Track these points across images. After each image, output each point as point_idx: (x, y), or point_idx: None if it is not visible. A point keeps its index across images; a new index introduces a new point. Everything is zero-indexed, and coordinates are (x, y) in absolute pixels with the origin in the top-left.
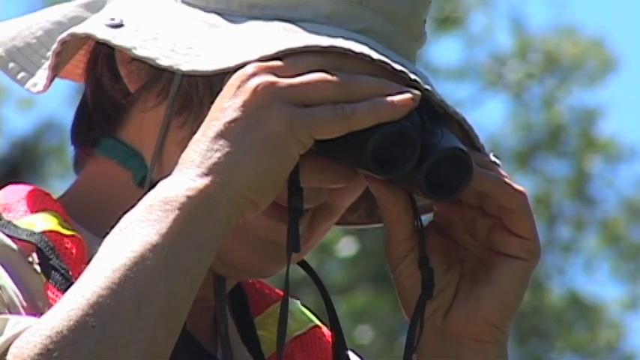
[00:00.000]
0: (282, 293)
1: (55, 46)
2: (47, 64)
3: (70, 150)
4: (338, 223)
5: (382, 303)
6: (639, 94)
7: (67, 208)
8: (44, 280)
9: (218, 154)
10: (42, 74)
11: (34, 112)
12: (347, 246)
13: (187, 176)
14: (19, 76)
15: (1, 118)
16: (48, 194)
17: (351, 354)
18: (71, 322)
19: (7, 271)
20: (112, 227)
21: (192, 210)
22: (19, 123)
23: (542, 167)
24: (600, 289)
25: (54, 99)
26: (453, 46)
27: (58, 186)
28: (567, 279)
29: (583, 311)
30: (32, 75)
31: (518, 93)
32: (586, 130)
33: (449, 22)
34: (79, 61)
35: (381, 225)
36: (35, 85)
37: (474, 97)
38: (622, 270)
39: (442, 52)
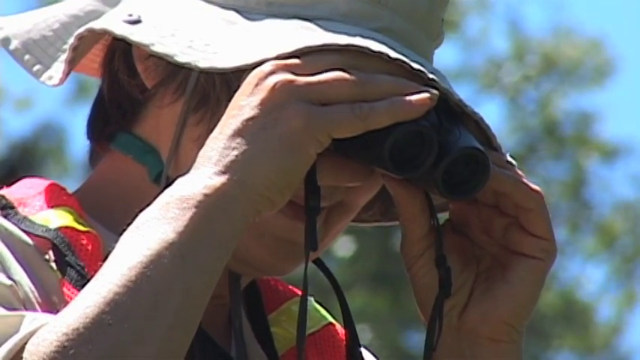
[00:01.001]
0: (297, 291)
1: (71, 40)
2: (63, 57)
3: (70, 147)
4: (353, 221)
5: (380, 302)
6: (635, 94)
7: (82, 203)
8: (60, 276)
9: (235, 152)
10: (58, 67)
11: (32, 113)
12: (345, 246)
13: (204, 174)
14: (35, 68)
15: None
16: (63, 189)
17: (364, 351)
18: (87, 320)
19: (22, 267)
20: (129, 224)
21: (209, 208)
22: (16, 124)
23: (539, 169)
24: (596, 289)
25: (52, 100)
26: (450, 49)
27: None
28: (563, 280)
29: (579, 311)
30: (48, 68)
31: (514, 96)
32: (582, 132)
33: (446, 26)
34: (95, 55)
35: (394, 223)
36: (51, 78)
37: (470, 100)
38: (617, 271)
39: (439, 54)
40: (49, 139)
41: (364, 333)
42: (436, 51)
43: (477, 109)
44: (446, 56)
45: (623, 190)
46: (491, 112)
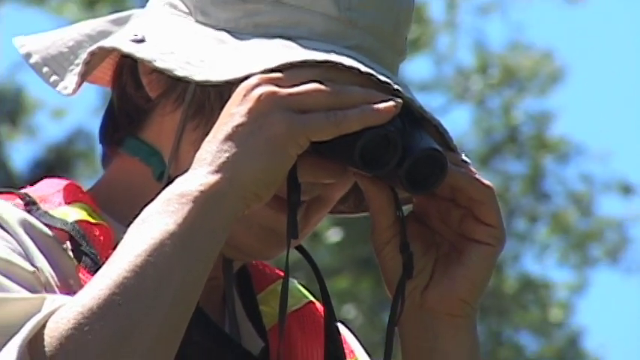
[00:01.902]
0: (282, 273)
1: (84, 55)
2: (77, 70)
3: (99, 150)
4: (330, 212)
5: (364, 284)
6: (584, 99)
7: (95, 199)
8: (76, 263)
9: (227, 154)
10: (72, 79)
11: (66, 121)
12: (334, 234)
13: (200, 173)
14: (52, 79)
15: (37, 126)
16: (79, 187)
17: (340, 325)
18: (100, 300)
19: (44, 255)
20: (135, 217)
21: (205, 202)
22: (53, 130)
23: (501, 166)
24: (550, 273)
25: (83, 109)
26: (424, 63)
27: (87, 184)
28: (522, 264)
29: (535, 293)
30: (63, 79)
31: (480, 103)
32: (539, 132)
33: (420, 43)
34: (106, 69)
35: (366, 214)
36: (65, 88)
37: (442, 107)
38: (570, 256)
39: (415, 68)
40: (80, 143)
41: (350, 310)
42: (413, 65)
43: (438, 116)
44: (421, 69)
45: (574, 184)
46: (461, 117)
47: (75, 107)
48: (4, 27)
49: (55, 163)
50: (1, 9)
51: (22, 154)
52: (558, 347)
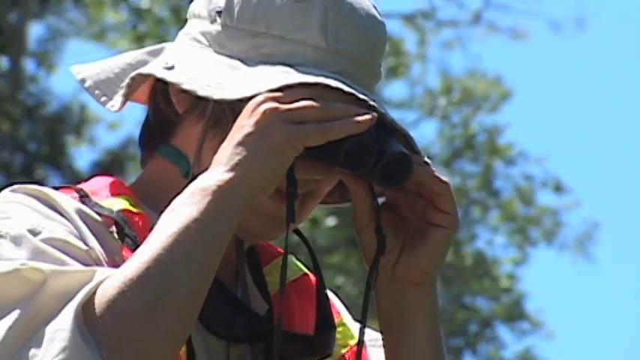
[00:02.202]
0: (282, 251)
1: (127, 80)
2: (121, 92)
3: (139, 153)
4: (320, 203)
5: (353, 260)
6: (527, 114)
7: (135, 192)
8: (120, 244)
9: (238, 157)
10: (117, 99)
11: (119, 132)
12: (330, 221)
13: (217, 172)
14: (102, 99)
15: (96, 136)
16: (122, 183)
17: (329, 292)
18: (138, 272)
19: (95, 237)
20: (166, 207)
21: (221, 195)
22: (109, 139)
23: (460, 168)
24: (499, 251)
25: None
26: (400, 86)
27: None
28: (477, 244)
29: (487, 266)
30: (111, 99)
31: (444, 117)
32: (491, 141)
33: (397, 71)
34: (144, 90)
35: (349, 204)
36: (113, 106)
37: (414, 121)
38: (514, 238)
39: (393, 90)
40: (130, 149)
41: (342, 281)
42: (391, 88)
43: (411, 128)
44: (398, 91)
45: (518, 181)
46: (429, 129)
47: (126, 121)
48: (70, 57)
49: (110, 165)
50: (69, 43)
51: (84, 158)
52: (506, 308)
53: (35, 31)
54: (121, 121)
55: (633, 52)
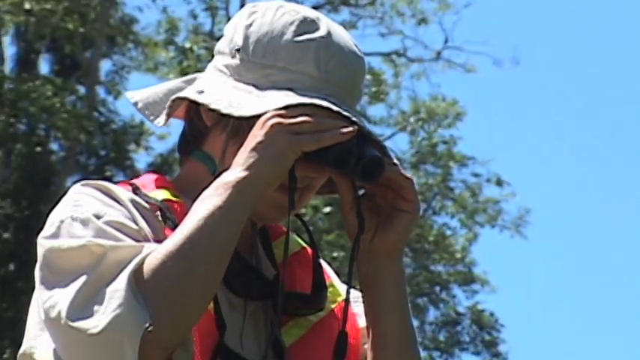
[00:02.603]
0: (286, 230)
1: (169, 102)
2: (165, 111)
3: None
4: (317, 194)
5: (343, 239)
6: (476, 129)
7: (175, 186)
8: (163, 225)
9: (252, 160)
10: (162, 116)
11: (168, 141)
12: (327, 208)
13: (236, 171)
14: (150, 117)
15: (151, 144)
16: (165, 178)
17: (322, 262)
18: (176, 247)
19: (144, 220)
20: (197, 197)
21: (238, 188)
22: (160, 146)
23: (426, 170)
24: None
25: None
26: (380, 108)
27: None
28: (437, 226)
29: (446, 242)
30: (157, 117)
31: (413, 132)
32: (449, 149)
33: (378, 96)
34: (182, 109)
35: (337, 195)
36: (159, 122)
37: (391, 135)
38: (466, 221)
39: (375, 111)
40: (176, 154)
41: (336, 254)
42: (374, 110)
43: (388, 141)
44: (378, 112)
45: (469, 179)
46: (403, 141)
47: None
48: (131, 86)
49: (161, 166)
50: (130, 75)
51: (142, 161)
52: (461, 273)
53: (105, 66)
54: (169, 133)
55: (553, 80)
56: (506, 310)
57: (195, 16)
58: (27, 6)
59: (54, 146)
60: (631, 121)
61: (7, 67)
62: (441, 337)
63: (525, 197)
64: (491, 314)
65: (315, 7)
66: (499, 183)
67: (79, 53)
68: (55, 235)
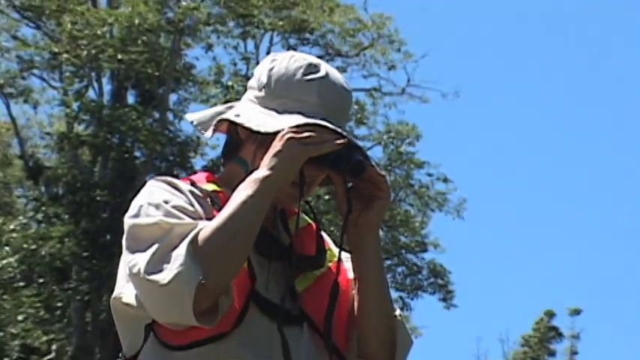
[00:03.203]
0: (297, 211)
1: (214, 122)
2: (212, 128)
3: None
4: (319, 185)
5: (338, 218)
6: (430, 144)
7: (220, 181)
8: (212, 208)
9: (273, 163)
10: (209, 131)
11: (216, 150)
12: (327, 196)
13: (262, 171)
14: (202, 132)
15: (206, 152)
16: (213, 175)
17: (323, 234)
18: (220, 223)
19: (199, 204)
20: (235, 189)
21: (264, 183)
22: (211, 154)
23: (394, 172)
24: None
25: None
26: (363, 129)
27: None
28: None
29: (409, 221)
30: (206, 131)
31: (386, 146)
32: (410, 157)
33: (361, 120)
34: (224, 126)
35: (332, 187)
36: (207, 135)
37: (370, 147)
38: (423, 208)
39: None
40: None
41: (332, 229)
42: (359, 131)
43: (367, 150)
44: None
45: (424, 178)
46: (378, 151)
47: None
48: (189, 111)
49: (212, 168)
50: (189, 105)
51: (198, 164)
52: (419, 242)
53: (172, 98)
54: (217, 144)
55: (482, 108)
56: (452, 263)
57: (235, 64)
58: (119, 57)
59: (137, 154)
60: (542, 124)
61: (105, 99)
62: (407, 282)
63: (463, 191)
64: (442, 266)
65: (318, 57)
66: (445, 180)
67: (154, 89)
68: (137, 215)
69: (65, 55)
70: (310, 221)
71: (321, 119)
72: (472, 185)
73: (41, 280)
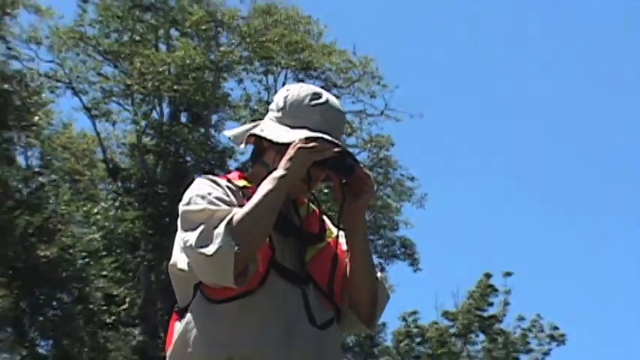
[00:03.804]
0: (306, 201)
1: (246, 135)
2: (244, 141)
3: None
4: (320, 181)
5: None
6: (401, 151)
7: (249, 178)
8: (243, 199)
9: (288, 165)
10: (243, 144)
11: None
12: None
13: (279, 171)
14: (237, 143)
15: (240, 159)
16: (244, 174)
17: (324, 217)
18: (249, 209)
19: (234, 195)
20: (259, 184)
21: (281, 180)
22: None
23: (376, 171)
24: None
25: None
26: (352, 139)
27: None
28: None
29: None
30: (241, 143)
31: (370, 152)
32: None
33: (350, 133)
34: (252, 139)
35: (331, 183)
36: (240, 146)
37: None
38: (395, 198)
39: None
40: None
41: (331, 213)
42: (349, 140)
43: (353, 154)
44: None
45: (398, 176)
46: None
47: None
48: (227, 128)
49: (243, 169)
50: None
51: (233, 166)
52: (392, 223)
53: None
54: (246, 151)
55: (440, 125)
56: (418, 238)
57: (259, 93)
58: (175, 87)
59: (188, 159)
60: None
61: (165, 119)
62: (385, 251)
63: (424, 188)
64: (410, 240)
65: (320, 87)
66: (412, 179)
67: (201, 112)
68: (188, 204)
69: (135, 87)
70: (315, 208)
71: (322, 133)
72: (433, 182)
73: (118, 251)
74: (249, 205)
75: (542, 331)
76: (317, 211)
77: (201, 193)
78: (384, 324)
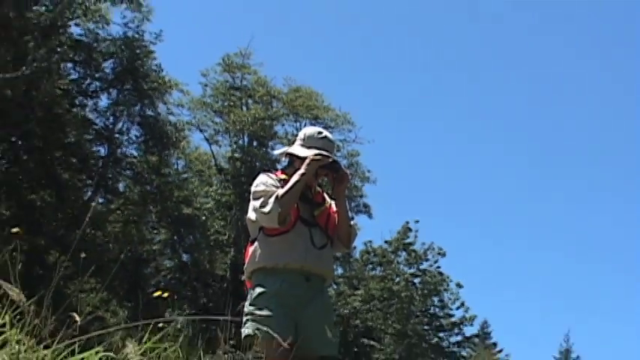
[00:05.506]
0: (316, 185)
1: (285, 153)
2: (283, 155)
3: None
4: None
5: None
6: (367, 158)
7: (286, 174)
8: (281, 185)
9: (304, 168)
10: (283, 156)
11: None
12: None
13: (301, 170)
14: (280, 158)
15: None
16: (284, 172)
17: (325, 194)
18: (287, 189)
19: (279, 182)
20: (290, 177)
21: (302, 175)
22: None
23: (355, 175)
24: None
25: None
26: (339, 155)
27: None
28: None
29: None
30: (282, 157)
31: (351, 166)
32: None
33: (336, 151)
34: (284, 155)
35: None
36: (283, 160)
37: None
38: (351, 192)
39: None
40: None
41: (328, 194)
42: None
43: (339, 161)
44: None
45: (365, 172)
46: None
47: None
48: (275, 148)
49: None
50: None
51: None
52: (364, 208)
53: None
54: (285, 160)
55: (393, 147)
56: (374, 203)
57: (293, 131)
58: (250, 128)
59: (257, 164)
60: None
61: (245, 144)
62: (355, 210)
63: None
64: (368, 204)
65: (323, 127)
66: (373, 182)
67: (264, 142)
68: (256, 186)
69: (231, 127)
70: (319, 190)
71: (324, 151)
72: (398, 182)
73: (222, 210)
74: (286, 187)
75: (433, 249)
76: (321, 190)
77: (262, 180)
78: (355, 247)
